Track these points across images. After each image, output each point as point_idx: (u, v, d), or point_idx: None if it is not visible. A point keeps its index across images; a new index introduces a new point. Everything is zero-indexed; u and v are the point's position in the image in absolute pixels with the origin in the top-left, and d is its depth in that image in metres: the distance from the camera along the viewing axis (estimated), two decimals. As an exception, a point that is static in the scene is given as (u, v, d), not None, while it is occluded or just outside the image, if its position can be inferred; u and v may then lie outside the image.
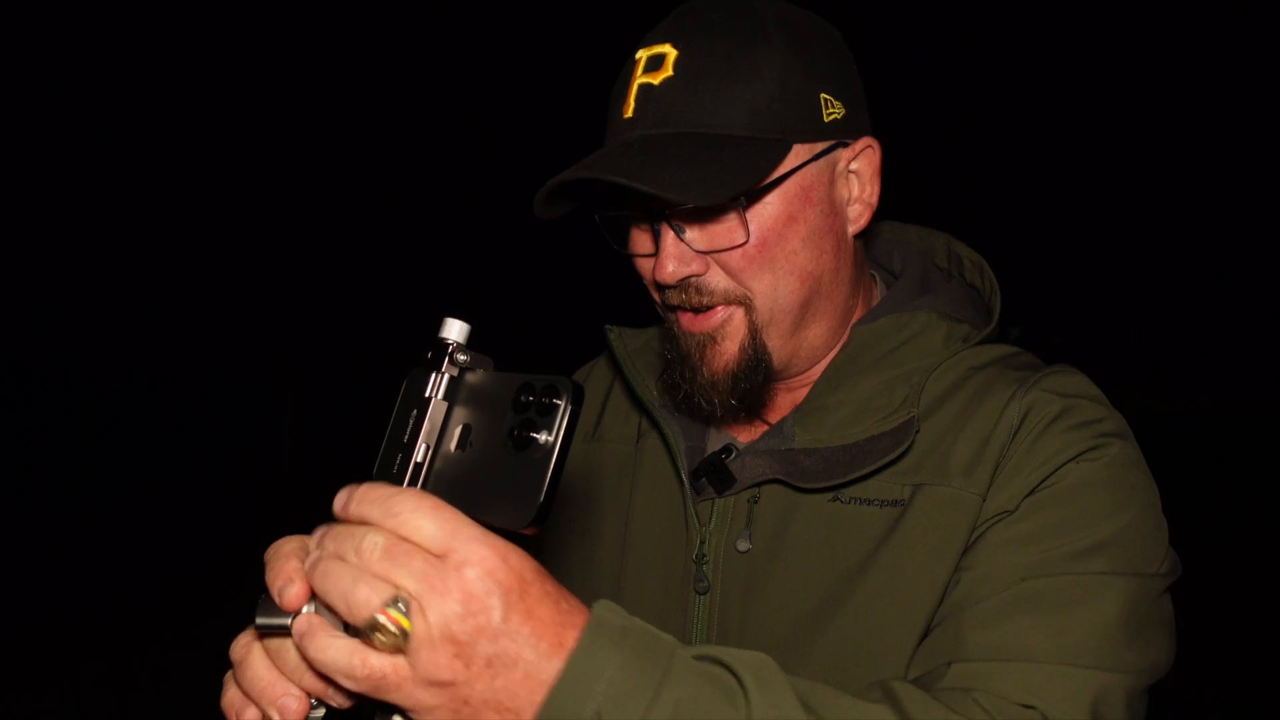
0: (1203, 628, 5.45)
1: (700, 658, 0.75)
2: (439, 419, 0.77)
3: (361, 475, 0.80)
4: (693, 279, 1.02)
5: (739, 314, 1.03)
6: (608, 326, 1.24)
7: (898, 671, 0.97)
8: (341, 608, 0.66)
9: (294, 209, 13.24)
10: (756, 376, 1.04)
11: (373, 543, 0.67)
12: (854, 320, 1.12)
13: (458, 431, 0.76)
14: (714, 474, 1.08)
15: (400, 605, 0.65)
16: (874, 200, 1.07)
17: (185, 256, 13.03)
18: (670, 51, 1.00)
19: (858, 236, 1.10)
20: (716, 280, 1.02)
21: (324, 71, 12.71)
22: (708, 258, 1.01)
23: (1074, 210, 12.99)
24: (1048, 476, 0.96)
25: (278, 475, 9.37)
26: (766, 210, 1.00)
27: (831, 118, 1.02)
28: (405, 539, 0.67)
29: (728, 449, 1.10)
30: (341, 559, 0.68)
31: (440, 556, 0.67)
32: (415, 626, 0.65)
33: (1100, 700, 0.87)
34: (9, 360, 11.30)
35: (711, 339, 1.03)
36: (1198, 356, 11.75)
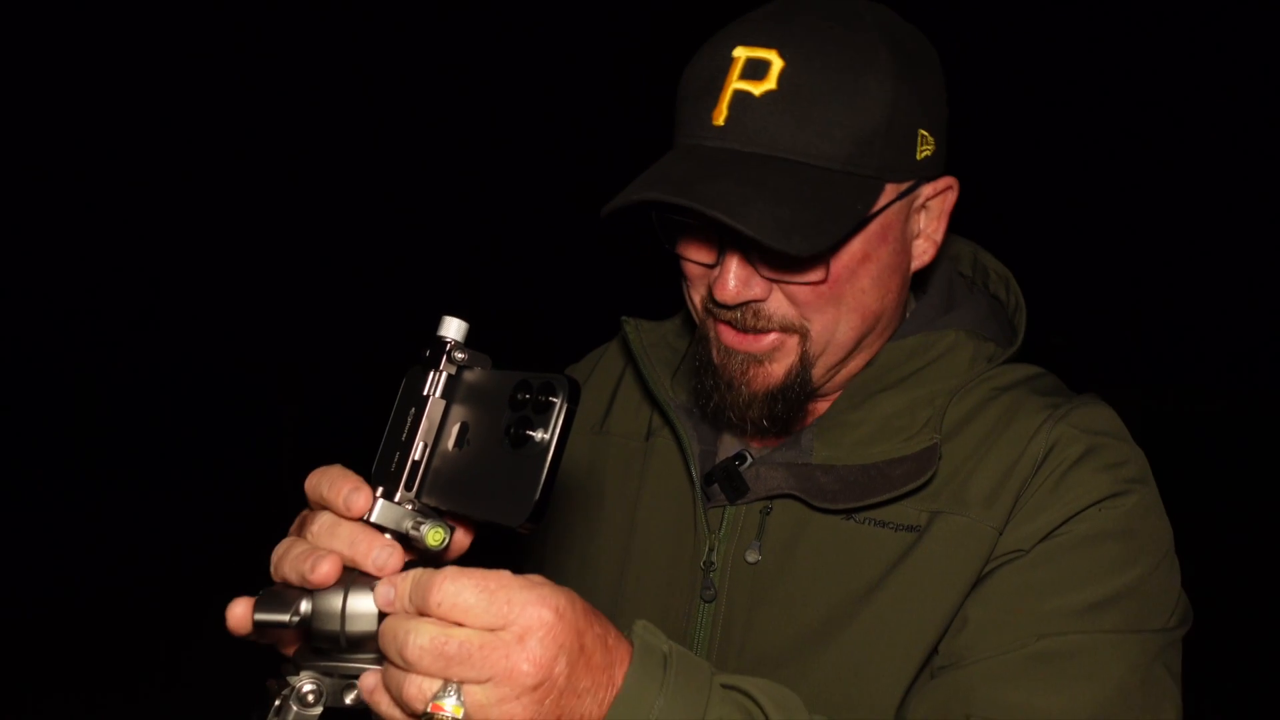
0: (1203, 628, 5.43)
1: (727, 686, 0.79)
2: (437, 417, 0.77)
3: (362, 474, 0.80)
4: (752, 303, 0.98)
5: (792, 341, 0.99)
6: (624, 318, 1.21)
7: (894, 695, 0.96)
8: (395, 715, 0.69)
9: (294, 208, 13.24)
10: (794, 401, 1.01)
11: (418, 646, 0.67)
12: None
13: (455, 429, 0.76)
14: (727, 481, 1.05)
15: (449, 694, 0.66)
16: (939, 238, 1.04)
17: (184, 256, 13.03)
18: (775, 60, 0.91)
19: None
20: (776, 307, 0.98)
21: (323, 72, 12.71)
22: (771, 284, 0.97)
23: (1074, 210, 12.99)
24: (1067, 520, 0.95)
25: (278, 475, 9.36)
26: (845, 249, 0.95)
27: (924, 155, 0.97)
28: (459, 620, 0.68)
29: (741, 456, 1.07)
30: (392, 664, 0.69)
31: (496, 629, 0.68)
32: (487, 698, 0.67)
33: None
34: (8, 359, 11.30)
35: (757, 359, 1.00)
36: (1198, 356, 11.75)
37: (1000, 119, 12.27)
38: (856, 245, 0.96)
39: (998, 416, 1.02)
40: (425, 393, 0.77)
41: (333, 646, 0.73)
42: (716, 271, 0.97)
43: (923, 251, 1.04)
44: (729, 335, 1.00)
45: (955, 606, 0.95)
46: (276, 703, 0.74)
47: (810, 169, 0.91)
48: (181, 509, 8.23)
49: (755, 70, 0.92)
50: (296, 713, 0.74)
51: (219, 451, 10.21)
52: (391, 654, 0.68)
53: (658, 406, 1.17)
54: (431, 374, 0.77)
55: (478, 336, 0.80)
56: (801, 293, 0.97)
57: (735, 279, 0.96)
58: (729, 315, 0.99)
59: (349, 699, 0.74)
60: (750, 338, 0.99)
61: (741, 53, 0.93)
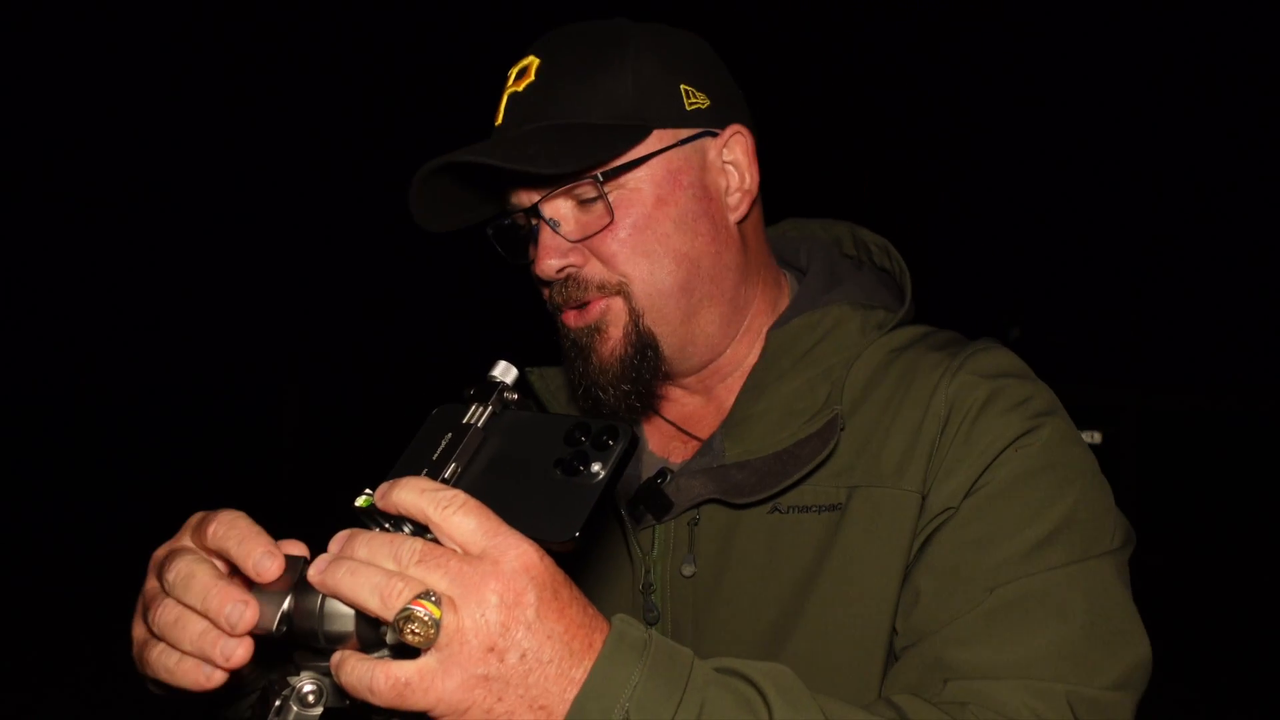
0: (1204, 628, 5.45)
1: (720, 670, 0.78)
2: (474, 445, 0.80)
3: (363, 484, 0.81)
4: (570, 272, 1.04)
5: (618, 303, 1.04)
6: (527, 368, 1.23)
7: (860, 678, 0.96)
8: (373, 603, 0.67)
9: (296, 213, 13.25)
10: (646, 364, 1.04)
11: (411, 548, 0.69)
12: (766, 322, 1.13)
13: (489, 458, 0.80)
14: (651, 500, 1.06)
15: (431, 596, 0.67)
16: (753, 188, 1.09)
17: (185, 260, 13.04)
18: (533, 61, 1.05)
19: (747, 227, 1.11)
20: (593, 271, 1.04)
21: (331, 80, 12.72)
22: (585, 250, 1.03)
23: (1074, 209, 12.99)
24: (987, 468, 0.95)
25: (278, 482, 9.38)
26: (633, 194, 1.02)
27: (694, 107, 1.05)
28: (446, 535, 0.70)
29: (662, 473, 1.08)
30: (372, 564, 0.69)
31: (478, 556, 0.69)
32: (446, 619, 0.66)
33: (1078, 706, 0.87)
34: (8, 362, 11.30)
35: (595, 330, 1.05)
36: (1197, 356, 11.75)
37: (1000, 118, 12.27)
38: (646, 191, 1.02)
39: (898, 378, 1.04)
40: (467, 422, 0.81)
41: (313, 643, 0.73)
42: (536, 255, 1.05)
43: (738, 203, 1.09)
44: (568, 318, 1.07)
45: (898, 578, 0.96)
46: (277, 703, 0.74)
47: (571, 126, 1.00)
48: (180, 514, 8.23)
49: (520, 75, 1.06)
50: (297, 713, 0.74)
51: (219, 457, 10.22)
52: (380, 557, 0.69)
53: None
54: (476, 407, 0.82)
55: (479, 338, 0.82)
56: (606, 245, 1.02)
57: (549, 252, 1.03)
58: (561, 296, 1.05)
59: (348, 699, 0.74)
60: (583, 313, 1.05)
61: (512, 70, 1.07)
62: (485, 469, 0.79)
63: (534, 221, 1.05)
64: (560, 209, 1.04)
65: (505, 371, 0.84)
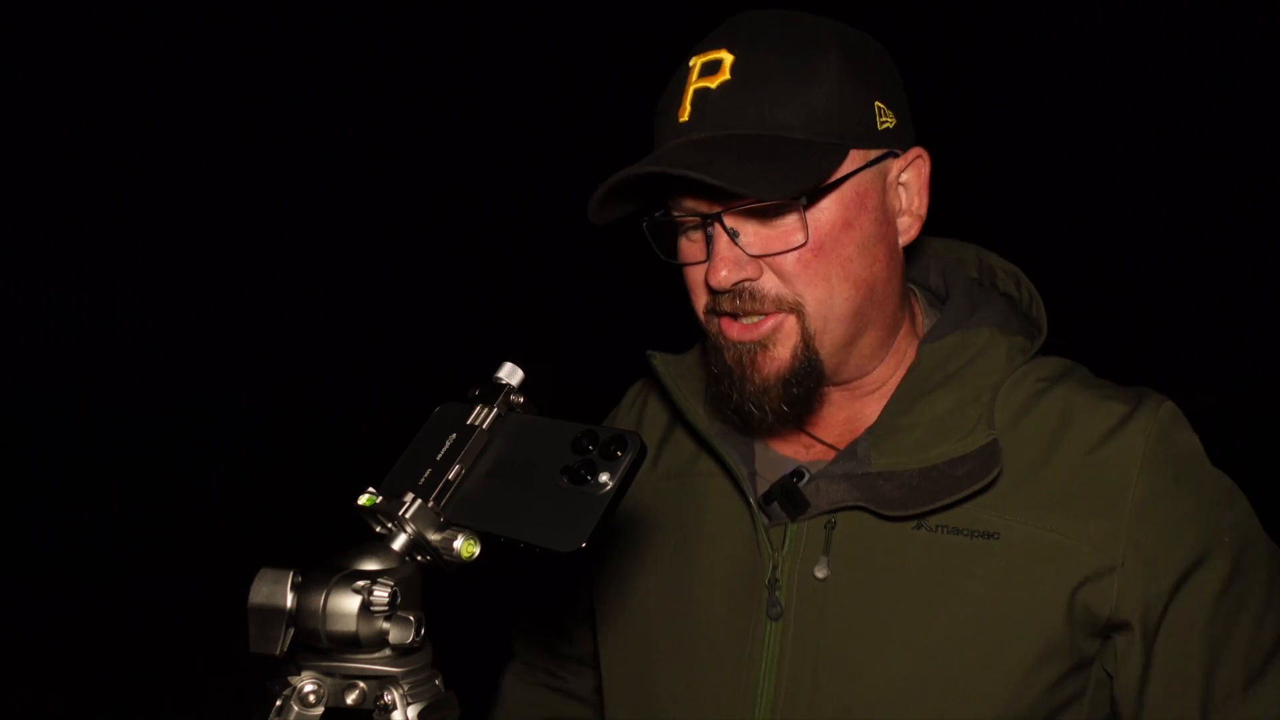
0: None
1: None
2: (479, 447, 0.80)
3: (364, 483, 0.81)
4: (745, 284, 1.00)
5: (790, 321, 1.01)
6: (650, 352, 1.21)
7: (989, 709, 0.96)
8: None
9: (296, 218, 13.25)
10: (809, 383, 1.02)
11: None
12: (908, 341, 1.12)
13: (492, 461, 0.80)
14: (786, 499, 1.05)
15: None
16: (923, 212, 1.07)
17: (184, 259, 13.03)
18: (726, 57, 0.99)
19: (905, 251, 1.10)
20: (769, 286, 1.00)
21: (332, 80, 12.71)
22: (761, 262, 1.00)
23: (1074, 209, 12.99)
24: (1204, 554, 1.01)
25: (277, 487, 9.37)
26: (824, 214, 0.99)
27: (884, 126, 1.02)
28: None
29: (798, 473, 1.07)
30: None
31: None
32: None
33: None
34: (7, 366, 11.30)
35: (762, 345, 1.02)
36: (1198, 356, 11.75)
37: (1001, 118, 12.28)
38: (835, 212, 1.00)
39: (1058, 413, 1.04)
40: (472, 423, 0.81)
41: (315, 643, 0.74)
42: (709, 263, 1.01)
43: (908, 226, 1.07)
44: (732, 329, 1.03)
45: (1055, 622, 0.98)
46: (278, 703, 0.75)
47: (772, 139, 0.97)
48: (179, 519, 8.23)
49: (710, 69, 1.00)
50: (298, 713, 0.74)
51: (218, 453, 10.21)
52: None
53: (695, 435, 1.17)
54: (481, 408, 0.82)
55: (480, 338, 0.82)
56: (788, 263, 1.00)
57: (726, 263, 0.99)
58: (728, 306, 1.02)
59: (350, 699, 0.75)
60: (751, 326, 1.02)
61: (696, 60, 1.02)
62: (489, 472, 0.79)
63: (710, 228, 1.01)
64: (741, 220, 1.00)
65: (511, 373, 0.84)
